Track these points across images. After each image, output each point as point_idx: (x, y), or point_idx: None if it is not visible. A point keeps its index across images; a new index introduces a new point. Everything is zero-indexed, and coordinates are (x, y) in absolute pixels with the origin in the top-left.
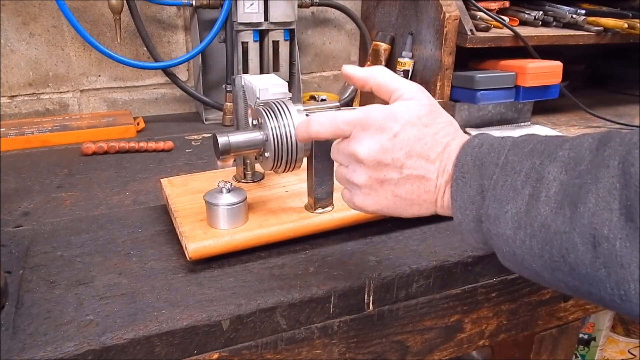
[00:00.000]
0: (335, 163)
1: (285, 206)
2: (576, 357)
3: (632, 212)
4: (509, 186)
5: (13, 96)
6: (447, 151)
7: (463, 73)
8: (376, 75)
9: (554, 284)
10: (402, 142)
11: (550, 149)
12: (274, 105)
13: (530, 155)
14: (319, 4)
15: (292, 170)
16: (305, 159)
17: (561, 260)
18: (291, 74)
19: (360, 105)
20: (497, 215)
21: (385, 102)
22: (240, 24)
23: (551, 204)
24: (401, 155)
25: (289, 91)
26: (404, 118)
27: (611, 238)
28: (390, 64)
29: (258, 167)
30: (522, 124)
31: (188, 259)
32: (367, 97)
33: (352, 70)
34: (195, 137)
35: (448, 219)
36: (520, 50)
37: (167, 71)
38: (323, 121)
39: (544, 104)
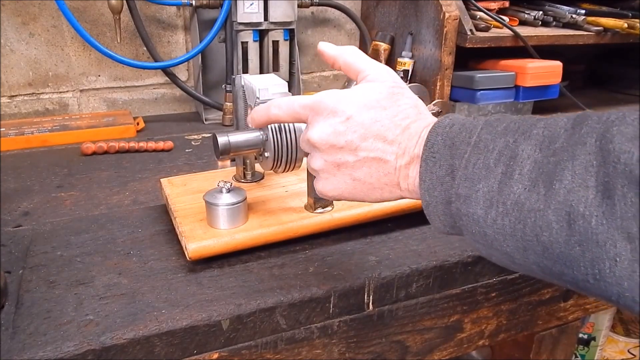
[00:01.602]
0: None
1: (285, 206)
2: (576, 357)
3: (609, 189)
4: (481, 164)
5: (13, 96)
6: (407, 133)
7: (463, 73)
8: (345, 55)
9: (525, 267)
10: (356, 125)
11: (525, 127)
12: None
13: (503, 133)
14: (319, 4)
15: (292, 170)
16: (305, 159)
17: (534, 239)
18: (291, 73)
19: None
20: (467, 195)
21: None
22: (240, 23)
23: (525, 182)
24: (355, 138)
25: (289, 91)
26: (360, 101)
27: (587, 215)
28: (390, 63)
29: (258, 167)
30: None
31: (188, 258)
32: None
33: (325, 47)
34: (195, 137)
35: None
36: (520, 50)
37: (167, 71)
38: (282, 104)
39: (543, 104)
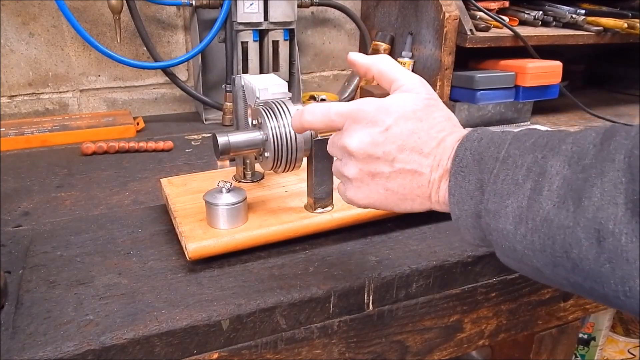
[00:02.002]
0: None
1: (285, 206)
2: (576, 357)
3: (638, 206)
4: (510, 180)
5: (13, 96)
6: (442, 146)
7: (463, 73)
8: (379, 64)
9: (555, 281)
10: (394, 136)
11: (553, 143)
12: (273, 105)
13: (532, 149)
14: (319, 4)
15: (292, 170)
16: (305, 159)
17: (564, 255)
18: (291, 73)
19: None
20: (497, 210)
21: (387, 93)
22: (240, 23)
23: (554, 198)
24: (393, 149)
25: (289, 91)
26: (398, 112)
27: (617, 233)
28: None
29: (258, 167)
30: (522, 123)
31: (188, 258)
32: (367, 97)
33: (356, 57)
34: (195, 137)
35: (447, 218)
36: (520, 50)
37: (166, 71)
38: (316, 111)
39: (543, 103)
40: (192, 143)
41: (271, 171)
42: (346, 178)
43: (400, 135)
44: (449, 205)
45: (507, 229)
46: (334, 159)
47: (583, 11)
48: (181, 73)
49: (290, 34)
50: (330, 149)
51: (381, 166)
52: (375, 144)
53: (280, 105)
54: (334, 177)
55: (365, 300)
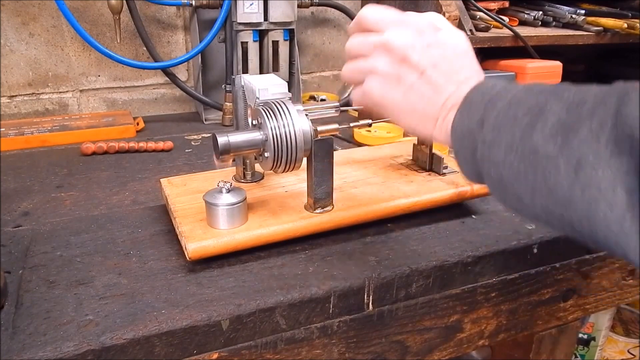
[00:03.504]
0: (349, 60)
1: (285, 206)
2: (576, 357)
3: (619, 147)
4: (510, 116)
5: (13, 96)
6: (466, 83)
7: None
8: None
9: (532, 210)
10: (433, 54)
11: (558, 90)
12: (273, 105)
13: (538, 93)
14: (319, 4)
15: (292, 170)
16: (305, 159)
17: (543, 182)
18: (291, 74)
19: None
20: (492, 140)
21: None
22: (240, 24)
23: (545, 133)
24: (427, 63)
25: (289, 91)
26: (445, 36)
27: (595, 165)
28: None
29: (258, 167)
30: None
31: (188, 259)
32: None
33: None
34: (195, 137)
35: (447, 218)
36: (520, 50)
37: (166, 71)
38: (375, 9)
39: None
40: (192, 143)
41: (271, 171)
42: (373, 71)
43: (438, 56)
44: (451, 139)
45: (498, 158)
46: (350, 61)
47: (583, 11)
48: (181, 73)
49: (290, 34)
50: (360, 45)
51: (409, 74)
52: (415, 50)
53: (280, 105)
54: (336, 182)
55: (365, 301)
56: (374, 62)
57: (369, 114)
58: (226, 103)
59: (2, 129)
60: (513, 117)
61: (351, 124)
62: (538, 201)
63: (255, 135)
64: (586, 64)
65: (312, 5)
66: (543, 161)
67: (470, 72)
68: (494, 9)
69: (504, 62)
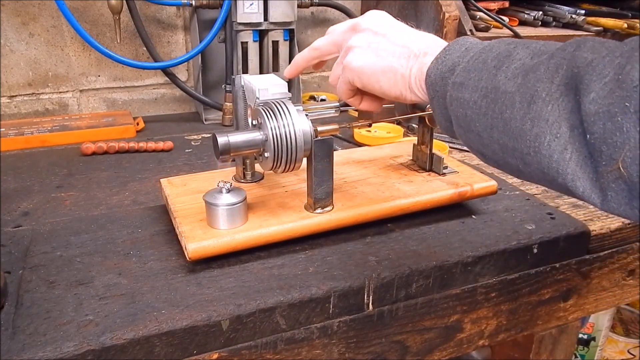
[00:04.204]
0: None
1: (285, 206)
2: (576, 357)
3: (569, 89)
4: (480, 60)
5: (13, 96)
6: (437, 42)
7: None
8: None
9: (490, 147)
10: (397, 27)
11: (528, 42)
12: (273, 105)
13: (509, 43)
14: (319, 4)
15: (292, 170)
16: (305, 159)
17: (499, 116)
18: None
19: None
20: (461, 82)
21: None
22: (240, 24)
23: (508, 74)
24: (388, 29)
25: (289, 91)
26: (397, 23)
27: (546, 101)
28: None
29: (258, 167)
30: None
31: (188, 259)
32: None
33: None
34: (195, 137)
35: (447, 218)
36: None
37: (166, 71)
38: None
39: None
40: (192, 143)
41: (271, 171)
42: (350, 48)
43: (402, 26)
44: (425, 83)
45: (464, 98)
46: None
47: (583, 11)
48: (181, 73)
49: (290, 34)
50: (339, 33)
51: (378, 38)
52: (379, 24)
53: (280, 105)
54: (336, 183)
55: (365, 301)
56: (351, 42)
57: (368, 113)
58: (226, 103)
59: (2, 129)
60: (482, 62)
61: (351, 124)
62: (495, 136)
63: (255, 135)
64: None
65: (312, 5)
66: (502, 97)
67: (426, 35)
68: (494, 9)
69: None
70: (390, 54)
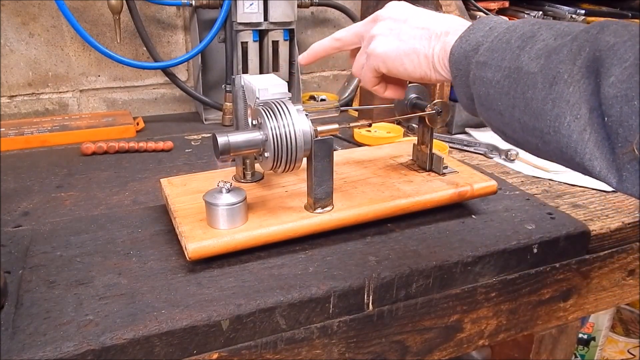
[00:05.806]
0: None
1: (285, 206)
2: (576, 357)
3: (590, 71)
4: (505, 40)
5: (12, 96)
6: (459, 21)
7: None
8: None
9: (511, 125)
10: (417, 11)
11: (552, 23)
12: (273, 105)
13: (533, 24)
14: (319, 4)
15: (292, 170)
16: (305, 159)
17: (521, 96)
18: (291, 73)
19: (360, 105)
20: (484, 62)
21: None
22: (240, 24)
23: (532, 55)
24: (408, 15)
25: (289, 91)
26: (417, 10)
27: (568, 82)
28: None
29: (258, 167)
30: None
31: (188, 259)
32: (367, 97)
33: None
34: (195, 137)
35: (447, 218)
36: None
37: (166, 71)
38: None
39: None
40: (192, 143)
41: (271, 171)
42: (373, 37)
43: (421, 11)
44: (448, 62)
45: (487, 77)
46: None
47: (583, 11)
48: (181, 73)
49: (290, 34)
50: (361, 25)
51: (399, 24)
52: (398, 11)
53: (280, 105)
54: (335, 179)
55: (365, 301)
56: (372, 31)
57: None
58: (226, 103)
59: (2, 129)
60: (506, 42)
61: (351, 124)
62: (516, 115)
63: (255, 135)
64: None
65: (312, 5)
66: (524, 77)
67: (448, 16)
68: (494, 9)
69: None
70: (412, 37)
